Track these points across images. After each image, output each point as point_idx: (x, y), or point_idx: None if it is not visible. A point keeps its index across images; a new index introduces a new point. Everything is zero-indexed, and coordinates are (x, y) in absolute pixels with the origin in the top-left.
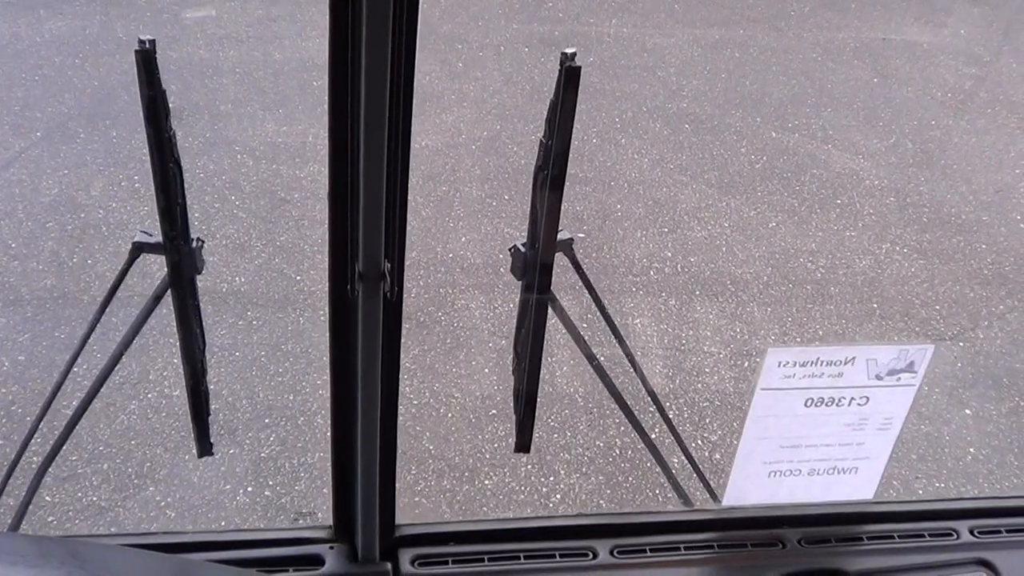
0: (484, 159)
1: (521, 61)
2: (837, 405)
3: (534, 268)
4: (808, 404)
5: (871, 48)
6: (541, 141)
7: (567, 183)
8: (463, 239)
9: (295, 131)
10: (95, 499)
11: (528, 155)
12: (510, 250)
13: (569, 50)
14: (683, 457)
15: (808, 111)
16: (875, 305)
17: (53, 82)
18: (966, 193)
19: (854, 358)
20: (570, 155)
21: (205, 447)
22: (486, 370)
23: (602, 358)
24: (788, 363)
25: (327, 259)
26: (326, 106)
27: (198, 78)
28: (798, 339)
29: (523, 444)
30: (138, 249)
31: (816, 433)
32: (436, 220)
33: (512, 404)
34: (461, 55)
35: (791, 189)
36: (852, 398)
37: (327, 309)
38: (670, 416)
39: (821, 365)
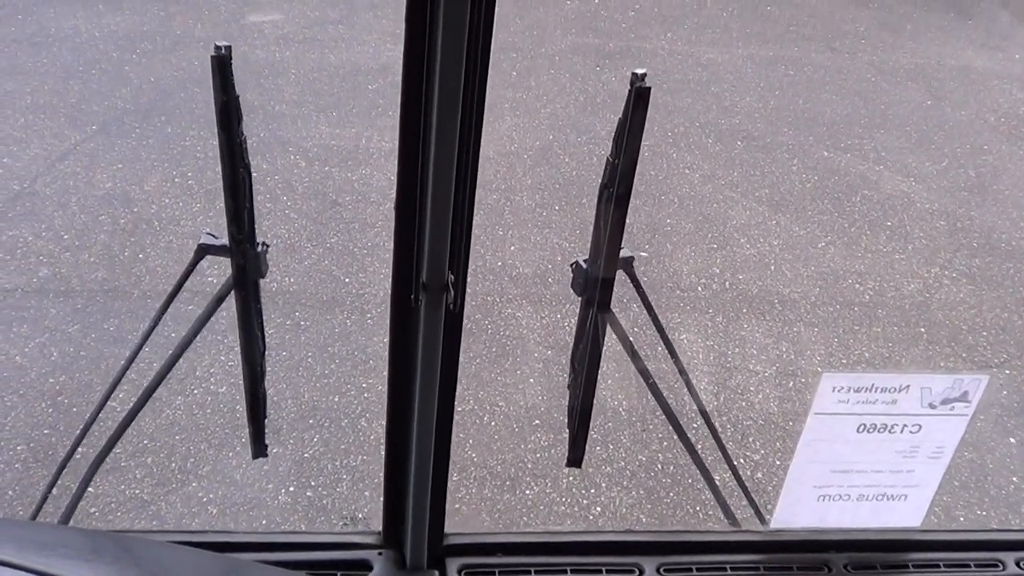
0: (536, 169)
1: (575, 72)
2: (889, 432)
3: (595, 284)
4: (860, 430)
5: (926, 70)
6: (608, 159)
7: None
8: (513, 248)
9: (348, 134)
10: (138, 492)
11: (580, 166)
12: (571, 266)
13: (640, 70)
14: (728, 476)
15: (861, 131)
16: (922, 329)
17: (110, 76)
18: (1017, 219)
19: (908, 386)
20: None
21: (260, 449)
22: (531, 380)
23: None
24: (842, 388)
25: (390, 267)
26: (380, 110)
27: (254, 78)
28: (844, 361)
29: (575, 459)
30: (203, 251)
31: (867, 459)
32: (487, 228)
33: (566, 418)
34: (516, 64)
35: (841, 209)
36: (905, 425)
37: (378, 319)
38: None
39: (875, 392)
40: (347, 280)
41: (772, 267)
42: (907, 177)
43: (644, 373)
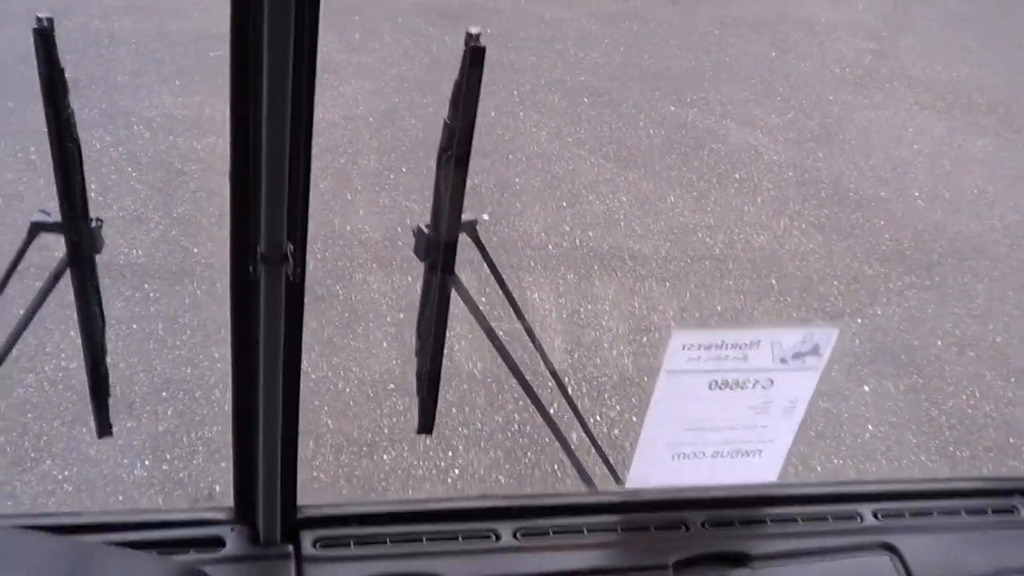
0: (382, 131)
1: (418, 33)
2: (742, 388)
3: (437, 249)
4: (712, 387)
5: (769, 22)
6: (445, 121)
7: None
8: (361, 212)
9: (192, 102)
10: None
11: (426, 127)
12: (413, 231)
13: (474, 29)
14: (583, 436)
15: (706, 85)
16: (773, 281)
17: None
18: (864, 169)
19: (759, 341)
20: None
21: (105, 428)
22: (384, 344)
23: (503, 335)
24: (693, 346)
25: (228, 239)
26: (224, 77)
27: (94, 48)
28: (697, 315)
29: (426, 425)
30: (36, 228)
31: (720, 416)
32: (334, 193)
33: (414, 385)
34: (358, 26)
35: (689, 164)
36: (757, 381)
37: (228, 288)
38: (570, 392)
39: (726, 348)
40: (196, 250)
41: (622, 223)
42: (754, 129)
43: (491, 334)
